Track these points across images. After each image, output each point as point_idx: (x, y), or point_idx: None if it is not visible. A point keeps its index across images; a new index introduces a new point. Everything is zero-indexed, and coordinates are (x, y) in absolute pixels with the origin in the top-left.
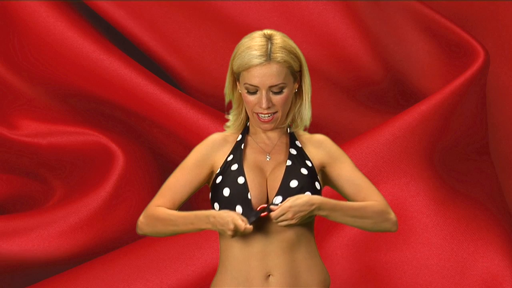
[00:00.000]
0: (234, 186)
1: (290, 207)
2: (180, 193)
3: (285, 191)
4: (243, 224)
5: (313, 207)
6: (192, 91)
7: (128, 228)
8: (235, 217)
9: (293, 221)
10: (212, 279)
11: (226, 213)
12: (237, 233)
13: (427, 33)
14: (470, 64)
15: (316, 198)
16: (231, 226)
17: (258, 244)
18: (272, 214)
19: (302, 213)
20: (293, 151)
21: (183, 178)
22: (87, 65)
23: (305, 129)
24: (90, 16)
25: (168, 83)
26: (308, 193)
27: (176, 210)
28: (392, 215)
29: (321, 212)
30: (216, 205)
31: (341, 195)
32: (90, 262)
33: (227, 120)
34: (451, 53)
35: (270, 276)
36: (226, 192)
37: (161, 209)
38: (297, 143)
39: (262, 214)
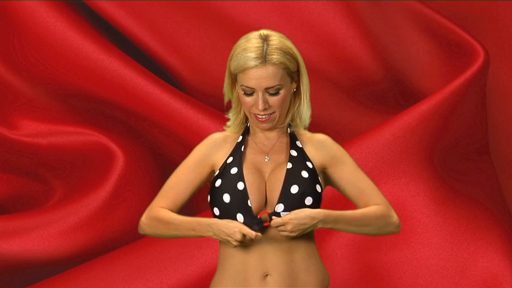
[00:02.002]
0: (233, 191)
1: (291, 219)
2: (182, 194)
3: (286, 198)
4: (253, 232)
5: (316, 221)
6: (192, 91)
7: (128, 228)
8: (242, 226)
9: (292, 234)
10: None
11: (232, 223)
12: (243, 243)
13: (427, 33)
14: (470, 64)
15: (319, 212)
16: (239, 236)
17: (256, 244)
18: (272, 222)
19: (303, 226)
20: (294, 153)
21: (185, 178)
22: (87, 65)
23: (305, 129)
24: (90, 16)
25: (168, 83)
26: (309, 199)
27: (178, 210)
28: (395, 218)
29: (324, 225)
30: (216, 210)
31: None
32: (90, 262)
33: (227, 120)
34: (451, 53)
35: (268, 276)
36: (226, 198)
37: (164, 212)
38: (298, 143)
39: (265, 224)
